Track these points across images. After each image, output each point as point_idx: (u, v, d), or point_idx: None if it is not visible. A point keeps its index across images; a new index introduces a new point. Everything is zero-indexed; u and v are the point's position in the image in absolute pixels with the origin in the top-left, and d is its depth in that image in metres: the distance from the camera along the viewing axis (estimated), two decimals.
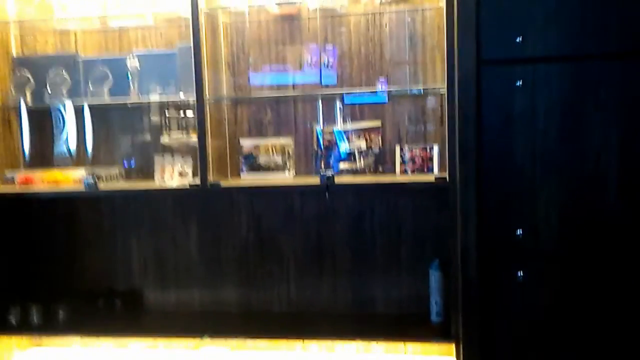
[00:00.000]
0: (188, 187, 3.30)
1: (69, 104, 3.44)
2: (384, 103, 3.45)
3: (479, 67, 2.63)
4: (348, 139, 3.43)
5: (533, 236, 2.66)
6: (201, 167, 3.26)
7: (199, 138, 3.25)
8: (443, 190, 3.02)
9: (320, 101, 3.48)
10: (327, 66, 3.44)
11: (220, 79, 3.50)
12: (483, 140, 2.68)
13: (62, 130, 3.48)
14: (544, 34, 2.60)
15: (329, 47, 3.44)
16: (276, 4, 3.36)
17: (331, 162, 3.45)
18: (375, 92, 3.39)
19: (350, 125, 3.45)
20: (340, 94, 3.43)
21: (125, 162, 3.68)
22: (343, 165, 3.40)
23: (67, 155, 3.48)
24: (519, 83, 2.62)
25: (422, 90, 3.38)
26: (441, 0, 3.17)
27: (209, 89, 3.32)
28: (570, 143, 2.62)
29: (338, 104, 3.45)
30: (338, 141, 3.44)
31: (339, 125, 3.43)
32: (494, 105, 2.66)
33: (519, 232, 2.67)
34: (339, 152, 3.44)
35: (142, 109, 3.58)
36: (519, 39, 2.60)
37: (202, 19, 3.23)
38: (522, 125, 2.65)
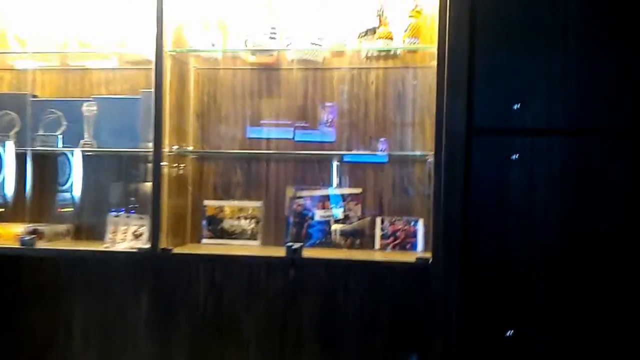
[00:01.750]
0: (137, 251, 2.90)
1: (9, 147, 3.08)
2: (366, 164, 3.06)
3: (470, 135, 2.27)
4: (323, 206, 3.05)
5: (526, 340, 2.24)
6: (153, 230, 2.86)
7: (153, 196, 2.86)
8: (426, 272, 2.61)
9: (294, 162, 3.13)
10: (323, 123, 3.08)
11: (185, 131, 3.15)
12: (470, 218, 2.29)
13: None
14: (546, 103, 2.24)
15: (325, 104, 3.09)
16: (251, 52, 3.03)
17: (303, 231, 3.05)
18: (362, 153, 3.03)
19: (327, 191, 3.06)
20: (319, 154, 3.06)
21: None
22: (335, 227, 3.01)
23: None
24: (515, 156, 2.25)
25: (408, 156, 3.01)
26: (433, 60, 2.84)
27: (172, 140, 2.96)
28: (573, 226, 2.23)
29: (317, 167, 3.09)
30: (324, 205, 3.05)
31: (324, 190, 3.06)
32: (484, 179, 2.30)
33: (509, 333, 2.24)
34: (313, 219, 3.05)
35: (97, 159, 3.21)
36: (516, 106, 2.25)
37: (167, 63, 2.90)
38: (517, 204, 2.28)
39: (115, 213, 3.18)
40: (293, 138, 3.08)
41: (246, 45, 2.99)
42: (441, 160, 2.57)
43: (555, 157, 2.23)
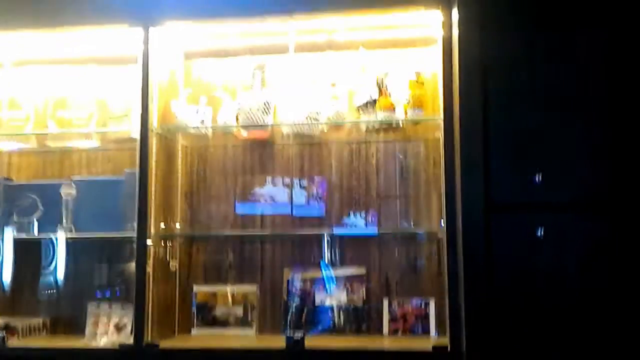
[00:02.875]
0: (118, 348, 2.60)
1: None
2: (370, 241, 2.84)
3: (489, 212, 2.07)
4: (326, 289, 2.81)
5: None
6: (136, 322, 2.58)
7: (136, 284, 2.60)
8: None
9: (293, 241, 2.90)
10: (311, 197, 2.87)
11: (173, 211, 2.93)
12: (495, 301, 2.06)
13: None
14: (571, 172, 2.06)
15: (317, 178, 2.89)
16: (242, 127, 2.85)
17: (303, 318, 2.79)
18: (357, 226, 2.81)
19: (327, 272, 2.83)
20: (317, 232, 2.84)
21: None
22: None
23: None
24: (540, 233, 2.05)
25: (416, 233, 2.81)
26: (437, 131, 2.68)
27: (158, 222, 2.74)
28: (614, 314, 2.00)
29: (316, 246, 2.86)
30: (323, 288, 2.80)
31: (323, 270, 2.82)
32: (508, 259, 2.07)
33: None
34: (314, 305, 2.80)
35: (77, 245, 2.94)
36: (538, 178, 2.06)
37: (153, 141, 2.71)
38: (547, 285, 2.04)
39: (96, 303, 2.91)
40: (291, 212, 2.86)
41: (238, 120, 2.82)
42: (455, 237, 2.37)
43: (583, 233, 2.03)
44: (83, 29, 2.78)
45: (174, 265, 2.87)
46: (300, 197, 2.88)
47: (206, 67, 3.04)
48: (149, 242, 2.63)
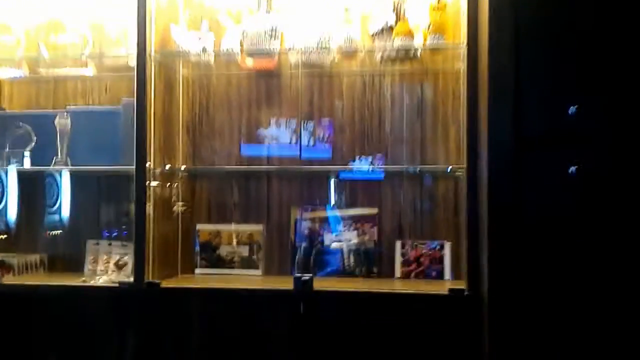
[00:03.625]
0: (118, 285, 2.49)
1: None
2: (380, 181, 2.67)
3: (519, 148, 1.89)
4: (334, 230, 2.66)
5: None
6: (137, 260, 2.46)
7: (136, 221, 2.46)
8: (461, 307, 2.22)
9: (301, 179, 2.74)
10: (317, 139, 2.70)
11: (174, 146, 2.76)
12: (522, 244, 1.91)
13: None
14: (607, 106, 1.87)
15: (324, 120, 2.71)
16: (247, 54, 2.64)
17: (311, 260, 2.66)
18: (371, 168, 2.63)
19: (337, 212, 2.68)
20: (326, 170, 2.68)
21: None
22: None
23: None
24: (573, 169, 1.88)
25: (431, 171, 2.64)
26: (458, 61, 2.48)
27: (158, 156, 2.57)
28: None
29: (326, 184, 2.70)
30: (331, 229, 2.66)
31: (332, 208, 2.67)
32: (538, 198, 1.91)
33: None
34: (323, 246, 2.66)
35: (74, 179, 2.78)
36: (572, 110, 1.88)
37: (152, 69, 2.51)
38: (579, 227, 1.88)
39: (96, 241, 2.78)
40: (299, 155, 2.68)
41: (242, 46, 2.60)
42: (476, 176, 2.21)
43: (621, 166, 1.86)
44: None
45: (175, 202, 2.72)
46: (306, 139, 2.71)
47: None
48: (153, 182, 2.47)
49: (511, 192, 1.88)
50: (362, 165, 2.63)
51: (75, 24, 2.78)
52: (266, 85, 2.79)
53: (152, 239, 2.51)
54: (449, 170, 2.53)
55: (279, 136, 2.75)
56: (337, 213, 2.67)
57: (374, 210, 2.65)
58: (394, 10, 2.47)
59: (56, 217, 2.78)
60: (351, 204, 2.69)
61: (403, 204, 2.65)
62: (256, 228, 2.73)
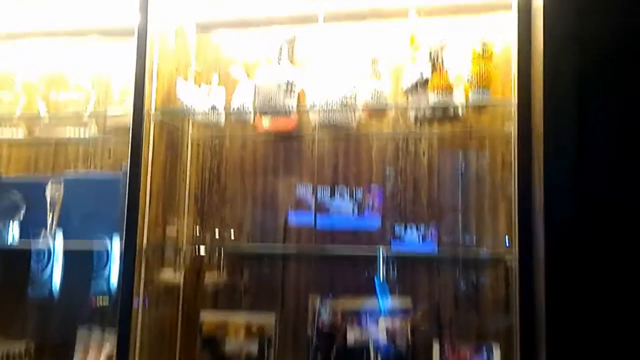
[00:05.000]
0: None
1: None
2: (418, 265, 2.22)
3: (582, 225, 1.42)
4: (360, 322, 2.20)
5: None
6: (120, 355, 2.06)
7: (120, 306, 2.08)
8: None
9: (320, 260, 2.31)
10: (362, 208, 2.29)
11: (178, 217, 2.40)
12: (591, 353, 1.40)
13: None
14: None
15: (373, 186, 2.31)
16: (259, 112, 2.28)
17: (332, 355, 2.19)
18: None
19: (363, 302, 2.22)
20: (352, 253, 2.25)
21: None
22: None
23: None
24: None
25: (478, 255, 2.16)
26: (507, 121, 2.04)
27: (154, 230, 2.21)
28: None
29: (351, 268, 2.26)
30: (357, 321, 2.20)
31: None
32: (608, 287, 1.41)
33: None
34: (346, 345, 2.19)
35: (66, 255, 2.44)
36: None
37: (150, 129, 2.19)
38: None
39: (87, 327, 2.42)
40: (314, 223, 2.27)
41: (254, 106, 2.25)
42: (531, 262, 1.73)
43: None
44: None
45: (176, 285, 2.34)
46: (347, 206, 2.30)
47: (223, 40, 2.51)
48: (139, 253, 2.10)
49: (574, 283, 1.39)
50: (401, 238, 2.19)
51: (78, 77, 2.52)
52: (285, 149, 2.42)
53: (142, 327, 2.12)
54: (497, 254, 2.05)
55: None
56: (364, 303, 2.20)
57: (406, 302, 2.17)
58: (430, 60, 2.06)
59: (44, 292, 2.46)
60: (380, 293, 2.23)
61: (442, 295, 2.17)
62: (267, 319, 2.29)
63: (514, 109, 1.87)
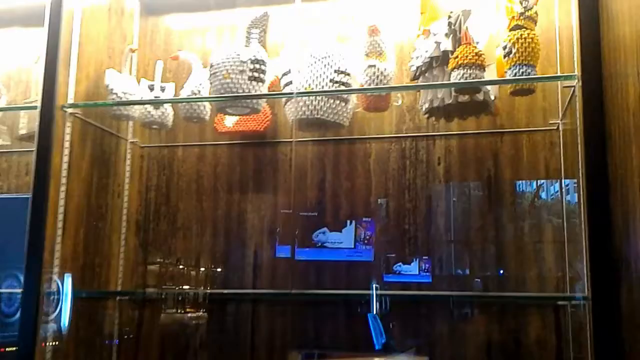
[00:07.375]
0: None
1: None
2: (435, 308, 1.63)
3: None
4: None
5: None
6: None
7: None
8: None
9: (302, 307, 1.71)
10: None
11: (110, 251, 1.79)
12: None
13: None
14: None
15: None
16: (219, 110, 1.68)
17: None
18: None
19: None
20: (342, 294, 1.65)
21: None
22: None
23: None
24: None
25: (511, 300, 1.57)
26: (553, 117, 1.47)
27: (72, 270, 1.61)
28: None
29: (342, 315, 1.67)
30: None
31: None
32: None
33: None
34: None
35: None
36: None
37: (66, 132, 1.61)
38: None
39: None
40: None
41: (211, 93, 1.65)
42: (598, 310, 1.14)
43: None
44: None
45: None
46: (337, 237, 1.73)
47: (175, 23, 1.95)
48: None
49: None
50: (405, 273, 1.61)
51: None
52: (255, 159, 1.83)
53: None
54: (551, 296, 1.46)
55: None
56: None
57: None
58: (449, 28, 1.46)
59: None
60: (385, 348, 1.62)
61: (465, 349, 1.56)
62: None
63: (577, 89, 1.29)
